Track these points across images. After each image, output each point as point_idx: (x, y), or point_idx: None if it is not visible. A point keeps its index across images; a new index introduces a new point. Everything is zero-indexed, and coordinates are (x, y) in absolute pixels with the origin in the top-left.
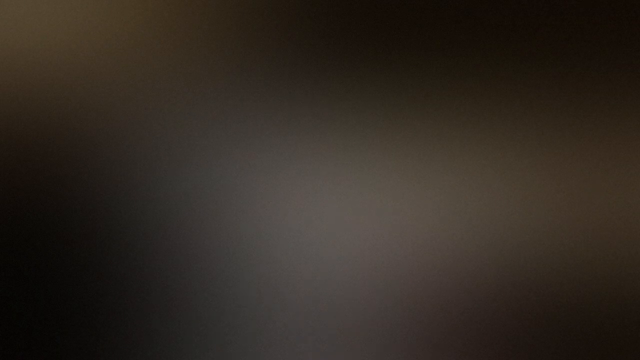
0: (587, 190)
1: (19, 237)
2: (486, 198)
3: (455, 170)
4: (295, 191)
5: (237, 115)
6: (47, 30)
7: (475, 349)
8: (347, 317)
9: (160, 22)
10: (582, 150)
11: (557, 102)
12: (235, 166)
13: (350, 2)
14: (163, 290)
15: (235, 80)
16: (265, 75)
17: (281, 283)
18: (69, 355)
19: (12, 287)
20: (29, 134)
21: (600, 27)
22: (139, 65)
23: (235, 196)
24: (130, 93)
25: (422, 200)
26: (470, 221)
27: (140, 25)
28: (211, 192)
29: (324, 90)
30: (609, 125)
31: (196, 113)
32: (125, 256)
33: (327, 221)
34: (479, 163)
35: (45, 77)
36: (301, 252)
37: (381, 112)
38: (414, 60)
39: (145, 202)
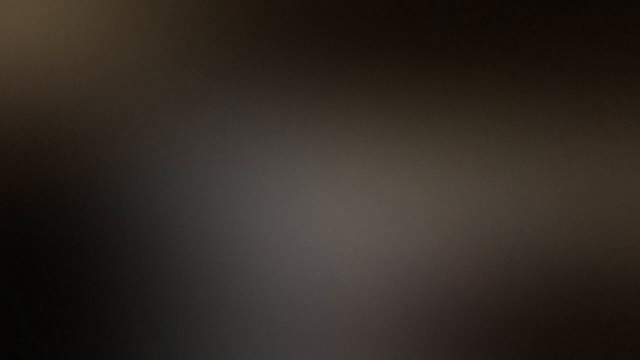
0: (587, 190)
1: (16, 237)
2: (488, 198)
3: (457, 170)
4: (294, 190)
5: (239, 115)
6: (47, 29)
7: (473, 349)
8: (349, 317)
9: (161, 21)
10: (583, 149)
11: (557, 101)
12: (236, 166)
13: (352, 1)
14: (163, 290)
15: (236, 80)
16: (266, 74)
17: (281, 283)
18: (67, 355)
19: (12, 287)
20: (27, 133)
21: (600, 27)
22: (140, 66)
23: (236, 197)
24: (130, 94)
25: (424, 201)
26: (471, 221)
27: (141, 25)
28: (212, 191)
29: (325, 90)
30: (609, 125)
31: (197, 114)
32: (126, 257)
33: (328, 221)
34: (481, 163)
35: (45, 77)
36: (301, 252)
37: (382, 112)
38: (416, 60)
39: (146, 202)
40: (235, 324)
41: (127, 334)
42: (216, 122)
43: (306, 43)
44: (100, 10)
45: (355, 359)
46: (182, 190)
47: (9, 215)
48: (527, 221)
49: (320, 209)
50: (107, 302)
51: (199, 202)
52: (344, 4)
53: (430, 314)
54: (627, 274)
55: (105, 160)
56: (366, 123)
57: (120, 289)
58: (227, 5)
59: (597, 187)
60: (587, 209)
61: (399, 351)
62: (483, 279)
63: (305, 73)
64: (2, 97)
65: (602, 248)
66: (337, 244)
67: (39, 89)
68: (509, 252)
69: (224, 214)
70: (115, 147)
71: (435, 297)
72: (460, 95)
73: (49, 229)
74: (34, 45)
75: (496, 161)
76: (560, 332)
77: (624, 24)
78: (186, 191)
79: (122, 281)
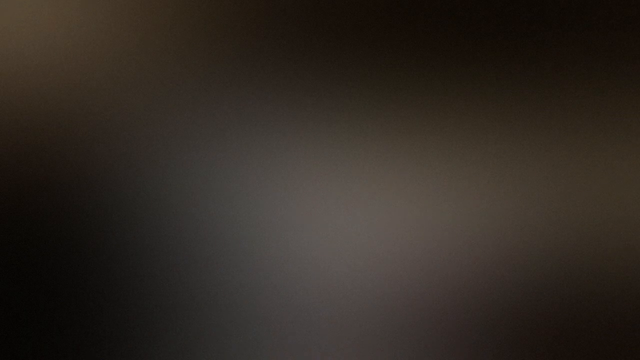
0: (587, 189)
1: (16, 237)
2: (488, 198)
3: (457, 170)
4: (294, 190)
5: (239, 115)
6: (47, 29)
7: (473, 349)
8: (349, 317)
9: (161, 21)
10: (583, 149)
11: (557, 101)
12: (236, 166)
13: (352, 1)
14: (163, 290)
15: (236, 80)
16: (266, 74)
17: (281, 283)
18: (67, 355)
19: (12, 287)
20: (27, 133)
21: (600, 27)
22: (140, 65)
23: (235, 196)
24: (130, 94)
25: (424, 201)
26: (472, 221)
27: (141, 25)
28: (212, 191)
29: (325, 90)
30: (609, 125)
31: (197, 113)
32: (126, 257)
33: (328, 221)
34: (481, 163)
35: (45, 77)
36: (301, 252)
37: (382, 112)
38: (416, 60)
39: (146, 202)
40: (235, 324)
41: (127, 334)
42: (216, 122)
43: (306, 43)
44: (100, 10)
45: (355, 359)
46: (182, 190)
47: (9, 215)
48: (527, 221)
49: (320, 209)
50: (107, 302)
51: (199, 202)
52: (344, 4)
53: (430, 314)
54: (628, 274)
55: (105, 160)
56: (366, 123)
57: (120, 289)
58: (227, 5)
59: (597, 187)
60: (587, 208)
61: (399, 351)
62: (483, 279)
63: (305, 73)
64: (2, 97)
65: (603, 248)
66: (337, 244)
67: (39, 89)
68: (508, 252)
69: (224, 213)
70: (115, 147)
71: (436, 297)
72: (460, 95)
73: (49, 229)
74: (34, 45)
75: (496, 161)
76: (560, 332)
77: (624, 24)
78: (186, 191)
79: (122, 281)
